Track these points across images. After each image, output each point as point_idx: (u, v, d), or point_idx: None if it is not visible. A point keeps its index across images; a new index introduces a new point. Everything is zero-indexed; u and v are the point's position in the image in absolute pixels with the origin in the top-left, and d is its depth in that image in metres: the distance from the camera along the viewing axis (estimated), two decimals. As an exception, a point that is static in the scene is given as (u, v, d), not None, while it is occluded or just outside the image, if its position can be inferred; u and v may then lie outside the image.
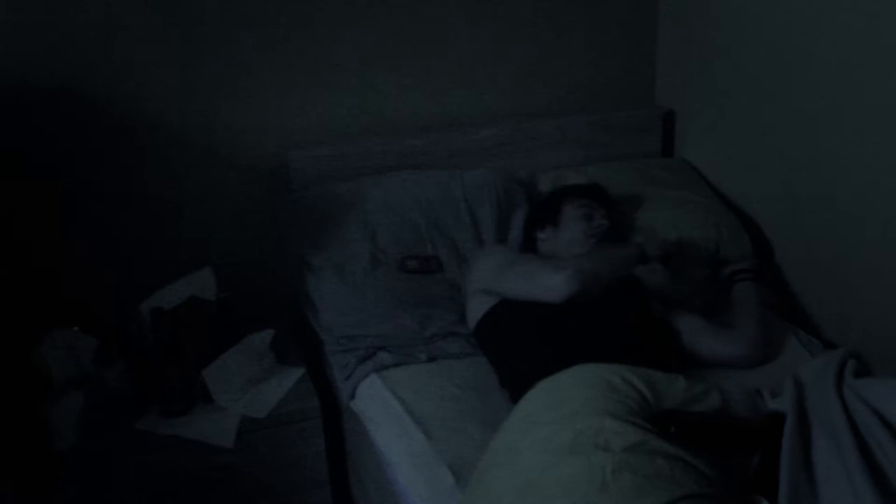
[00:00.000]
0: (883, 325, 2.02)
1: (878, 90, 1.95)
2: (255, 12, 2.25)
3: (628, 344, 1.83)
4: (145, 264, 2.26)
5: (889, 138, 1.94)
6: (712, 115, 2.54)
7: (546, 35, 2.56)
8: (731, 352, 1.97)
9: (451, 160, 2.43)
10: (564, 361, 1.66)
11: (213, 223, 2.35)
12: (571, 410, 1.49)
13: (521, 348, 1.89)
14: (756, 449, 1.51)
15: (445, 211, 2.31)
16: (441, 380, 1.95)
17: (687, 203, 2.37)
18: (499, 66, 2.54)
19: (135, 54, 2.18)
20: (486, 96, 2.55)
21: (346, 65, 2.37)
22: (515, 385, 1.80)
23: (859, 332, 2.08)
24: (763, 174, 2.37)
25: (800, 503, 1.38)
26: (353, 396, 2.02)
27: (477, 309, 2.02)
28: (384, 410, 1.90)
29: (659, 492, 1.31)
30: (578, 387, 1.55)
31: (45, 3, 2.06)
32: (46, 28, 2.08)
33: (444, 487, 1.62)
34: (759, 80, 2.31)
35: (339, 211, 2.26)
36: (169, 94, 2.23)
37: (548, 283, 1.88)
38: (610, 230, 2.14)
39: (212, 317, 2.09)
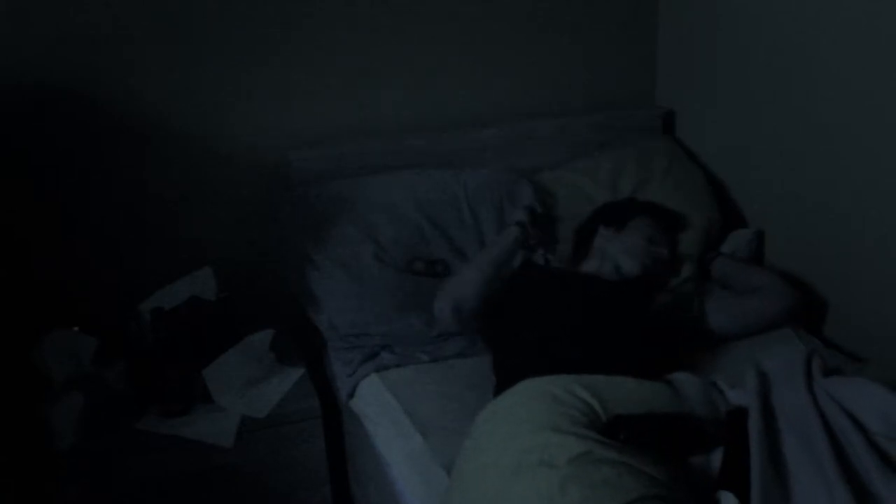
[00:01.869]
0: (883, 324, 2.01)
1: (878, 90, 1.95)
2: (255, 13, 2.24)
3: (623, 341, 1.82)
4: (145, 264, 2.26)
5: (889, 138, 1.94)
6: (712, 115, 2.54)
7: (546, 35, 2.56)
8: (779, 304, 2.01)
9: (452, 160, 2.43)
10: (548, 353, 1.65)
11: (213, 223, 2.35)
12: (514, 429, 1.48)
13: (514, 333, 1.89)
14: (716, 445, 1.50)
15: (446, 211, 2.31)
16: (441, 381, 1.95)
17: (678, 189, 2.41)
18: (499, 66, 2.53)
19: (135, 54, 2.18)
20: (486, 96, 2.54)
21: (347, 65, 2.37)
22: (499, 372, 1.82)
23: (859, 332, 2.08)
24: (763, 174, 2.36)
25: (770, 498, 1.38)
26: (352, 395, 2.02)
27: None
28: (383, 411, 1.91)
29: (608, 500, 1.30)
30: (520, 404, 1.54)
31: (45, 3, 2.06)
32: (46, 28, 2.08)
33: (441, 489, 1.62)
34: (759, 80, 2.31)
35: (340, 211, 2.26)
36: (169, 94, 2.23)
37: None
38: (664, 265, 2.13)
39: (212, 317, 2.09)
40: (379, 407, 1.93)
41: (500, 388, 1.71)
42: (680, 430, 1.52)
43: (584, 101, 2.65)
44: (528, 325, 1.87)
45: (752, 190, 2.42)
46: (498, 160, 2.46)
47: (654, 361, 1.75)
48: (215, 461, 1.95)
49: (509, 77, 2.56)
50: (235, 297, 2.16)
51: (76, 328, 2.04)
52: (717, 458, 1.48)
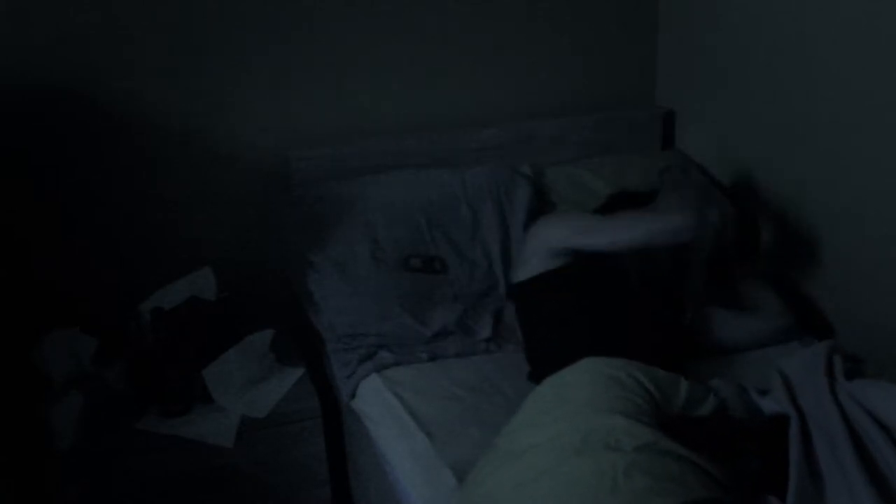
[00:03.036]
0: (883, 324, 2.02)
1: (877, 89, 1.95)
2: (255, 12, 2.24)
3: (659, 339, 1.83)
4: (145, 264, 2.26)
5: (889, 137, 1.94)
6: (712, 115, 2.54)
7: (546, 35, 2.56)
8: (770, 327, 2.00)
9: (452, 160, 2.43)
10: (593, 342, 1.64)
11: (213, 223, 2.35)
12: (577, 409, 1.47)
13: (558, 316, 1.88)
14: (758, 452, 1.50)
15: (446, 210, 2.30)
16: (442, 380, 1.95)
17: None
18: (499, 66, 2.53)
19: (135, 54, 2.17)
20: (486, 96, 2.54)
21: (347, 65, 2.37)
22: (539, 358, 1.81)
23: (859, 332, 2.07)
24: (763, 174, 2.36)
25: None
26: (353, 396, 2.02)
27: (536, 267, 1.99)
28: (385, 411, 1.90)
29: (669, 495, 1.28)
30: (584, 384, 1.53)
31: (45, 3, 2.06)
32: (46, 28, 2.08)
33: (446, 488, 1.62)
34: (759, 80, 2.31)
35: (340, 211, 2.26)
36: (169, 94, 2.23)
37: (668, 226, 1.85)
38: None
39: (212, 317, 2.09)
40: (381, 407, 1.92)
41: (539, 372, 1.70)
42: (731, 435, 1.52)
43: (584, 101, 2.65)
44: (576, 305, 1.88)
45: (752, 189, 2.42)
46: (498, 160, 2.46)
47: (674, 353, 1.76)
48: (215, 461, 1.95)
49: (509, 77, 2.56)
50: (235, 297, 2.16)
51: (76, 328, 2.04)
52: (755, 465, 1.48)
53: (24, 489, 1.85)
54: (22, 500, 1.84)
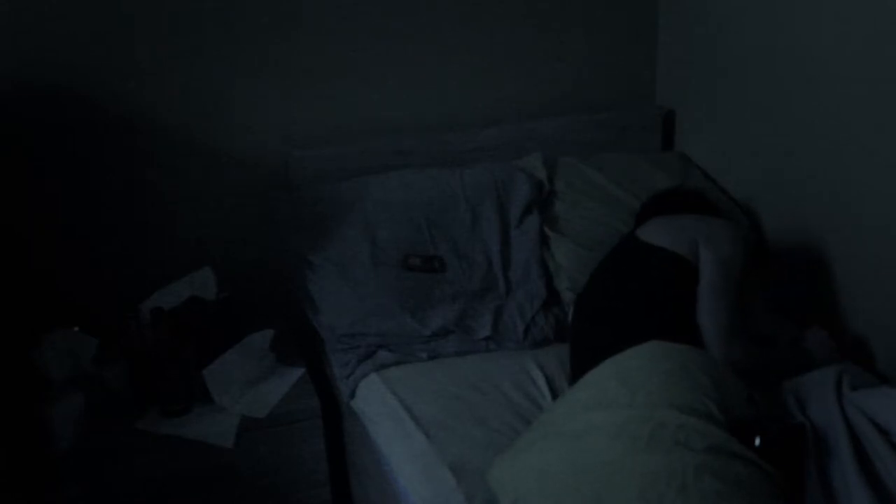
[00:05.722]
0: (883, 323, 2.01)
1: (876, 89, 1.95)
2: (255, 12, 2.24)
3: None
4: (145, 264, 2.26)
5: (888, 137, 1.94)
6: (712, 115, 2.54)
7: (546, 35, 2.56)
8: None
9: (452, 160, 2.43)
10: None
11: (213, 223, 2.35)
12: (646, 398, 1.42)
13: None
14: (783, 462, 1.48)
15: (446, 209, 2.30)
16: (441, 379, 1.95)
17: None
18: (499, 66, 2.53)
19: (135, 54, 2.18)
20: (487, 96, 2.54)
21: (347, 65, 2.37)
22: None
23: (859, 332, 2.07)
24: (763, 174, 2.37)
25: None
26: (353, 395, 2.02)
27: (681, 248, 1.87)
28: (384, 410, 1.90)
29: (737, 499, 1.26)
30: (653, 371, 1.48)
31: (45, 3, 2.06)
32: (46, 28, 2.08)
33: (446, 488, 1.62)
34: (759, 79, 2.31)
35: (340, 210, 2.26)
36: (169, 93, 2.23)
37: (715, 346, 1.74)
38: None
39: (212, 317, 2.09)
40: (380, 406, 1.92)
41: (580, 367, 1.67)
42: (800, 441, 1.48)
43: (584, 100, 2.65)
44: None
45: (752, 189, 2.42)
46: (498, 160, 2.46)
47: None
48: (215, 461, 1.95)
49: (509, 77, 2.56)
50: (235, 297, 2.16)
51: (76, 328, 2.04)
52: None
53: (23, 489, 1.84)
54: (22, 500, 1.84)
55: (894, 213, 1.96)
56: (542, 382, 1.93)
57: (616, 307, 1.86)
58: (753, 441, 1.39)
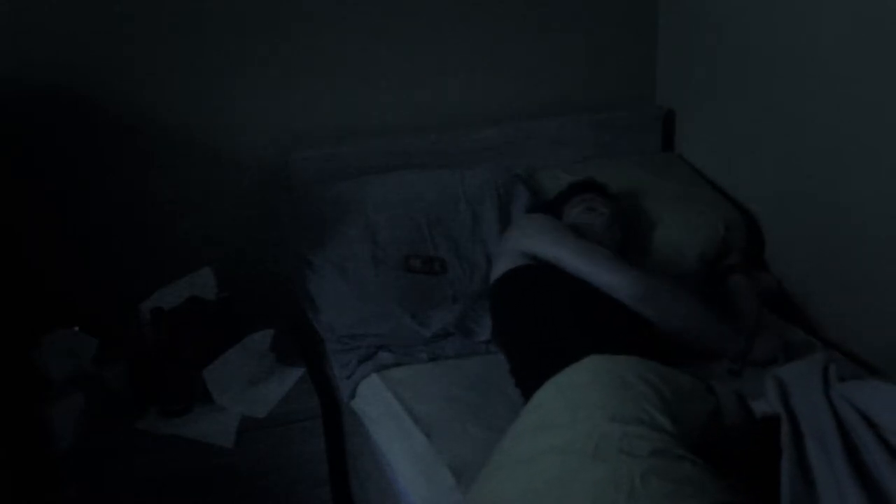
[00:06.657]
0: (883, 324, 2.01)
1: (876, 89, 1.95)
2: (255, 12, 2.25)
3: (635, 334, 1.82)
4: (145, 264, 2.26)
5: (888, 136, 1.94)
6: (712, 115, 2.54)
7: (546, 35, 2.56)
8: (731, 348, 1.95)
9: (452, 160, 2.43)
10: (568, 335, 1.64)
11: (213, 223, 2.35)
12: (588, 414, 1.44)
13: (532, 310, 1.88)
14: (751, 453, 1.49)
15: (446, 210, 2.30)
16: (442, 380, 1.95)
17: (688, 196, 2.39)
18: (499, 66, 2.53)
19: (135, 54, 2.18)
20: (486, 96, 2.55)
21: (347, 65, 2.37)
22: (515, 349, 1.82)
23: (859, 332, 2.08)
24: (763, 174, 2.37)
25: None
26: (353, 396, 2.02)
27: (505, 265, 2.00)
28: (384, 410, 1.90)
29: (689, 498, 1.26)
30: (593, 386, 1.50)
31: (45, 3, 2.06)
32: (46, 28, 2.08)
33: (445, 488, 1.62)
34: (759, 79, 2.31)
35: (340, 210, 2.26)
36: (169, 93, 2.23)
37: (610, 280, 1.87)
38: (613, 219, 2.15)
39: (212, 317, 2.09)
40: (380, 407, 1.92)
41: (528, 384, 1.70)
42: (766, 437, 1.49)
43: (584, 101, 2.65)
44: (551, 300, 1.88)
45: (752, 189, 2.42)
46: (498, 160, 2.46)
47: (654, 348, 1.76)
48: (215, 461, 1.95)
49: (509, 77, 2.56)
50: (235, 297, 2.16)
51: (76, 328, 2.04)
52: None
53: (23, 489, 1.84)
54: (22, 500, 1.84)
55: (894, 213, 1.96)
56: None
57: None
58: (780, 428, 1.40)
